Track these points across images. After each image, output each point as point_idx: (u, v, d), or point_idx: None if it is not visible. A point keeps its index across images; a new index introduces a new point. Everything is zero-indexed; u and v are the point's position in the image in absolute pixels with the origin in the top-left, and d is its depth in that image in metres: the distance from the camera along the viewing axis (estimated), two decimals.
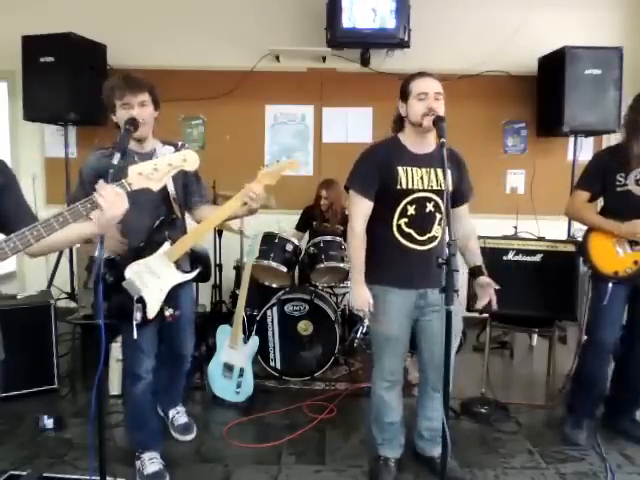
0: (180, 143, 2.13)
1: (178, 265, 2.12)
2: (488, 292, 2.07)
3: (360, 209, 2.09)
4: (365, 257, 2.10)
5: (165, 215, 2.13)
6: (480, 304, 2.11)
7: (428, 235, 2.08)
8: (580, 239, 2.73)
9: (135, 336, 2.00)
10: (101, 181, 1.46)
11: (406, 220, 2.07)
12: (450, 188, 1.99)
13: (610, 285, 2.47)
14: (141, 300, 2.01)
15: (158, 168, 1.50)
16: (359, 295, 2.08)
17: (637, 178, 2.41)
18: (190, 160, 1.56)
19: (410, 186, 2.04)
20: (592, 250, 2.56)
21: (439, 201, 2.06)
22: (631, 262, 2.45)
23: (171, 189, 2.15)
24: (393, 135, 2.14)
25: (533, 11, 4.33)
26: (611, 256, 2.49)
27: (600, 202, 2.66)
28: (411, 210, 2.06)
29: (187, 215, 2.34)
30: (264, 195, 2.07)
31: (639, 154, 2.39)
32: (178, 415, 2.66)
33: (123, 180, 1.47)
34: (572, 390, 2.76)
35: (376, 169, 2.06)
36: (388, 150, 2.10)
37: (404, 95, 2.05)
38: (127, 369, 2.24)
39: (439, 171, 2.05)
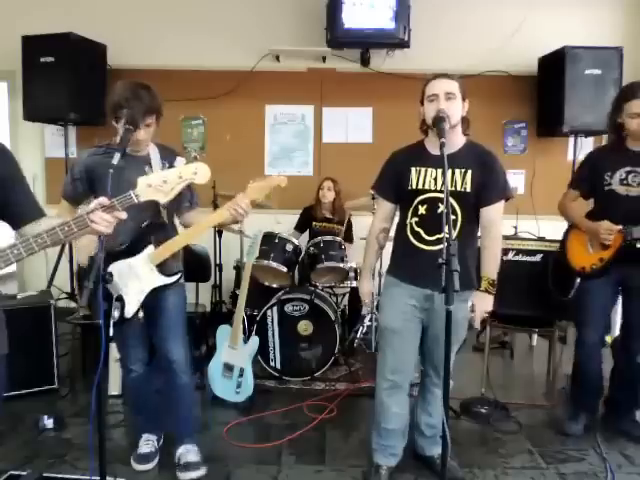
0: (178, 156, 2.05)
1: (161, 268, 2.09)
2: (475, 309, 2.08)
3: (379, 209, 2.29)
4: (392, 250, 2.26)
5: (152, 219, 2.08)
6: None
7: (437, 236, 2.05)
8: None
9: (111, 333, 1.89)
10: (93, 204, 1.42)
11: (417, 219, 2.09)
12: (468, 189, 2.04)
13: (577, 280, 2.64)
14: (120, 299, 2.02)
15: (168, 180, 1.48)
16: (362, 286, 2.36)
17: (622, 178, 2.45)
18: (201, 173, 1.54)
19: (421, 186, 2.06)
20: (568, 246, 2.67)
21: (454, 203, 2.02)
22: (597, 259, 2.52)
23: None
24: (421, 139, 2.17)
25: (533, 11, 4.33)
26: (582, 253, 2.59)
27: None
28: (422, 210, 2.07)
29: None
30: (249, 209, 2.03)
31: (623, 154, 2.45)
32: (187, 453, 2.32)
33: (131, 192, 1.46)
34: (571, 384, 2.80)
35: (393, 171, 2.17)
36: (408, 153, 2.16)
37: (421, 98, 2.06)
38: (121, 362, 2.40)
39: (457, 171, 2.03)
